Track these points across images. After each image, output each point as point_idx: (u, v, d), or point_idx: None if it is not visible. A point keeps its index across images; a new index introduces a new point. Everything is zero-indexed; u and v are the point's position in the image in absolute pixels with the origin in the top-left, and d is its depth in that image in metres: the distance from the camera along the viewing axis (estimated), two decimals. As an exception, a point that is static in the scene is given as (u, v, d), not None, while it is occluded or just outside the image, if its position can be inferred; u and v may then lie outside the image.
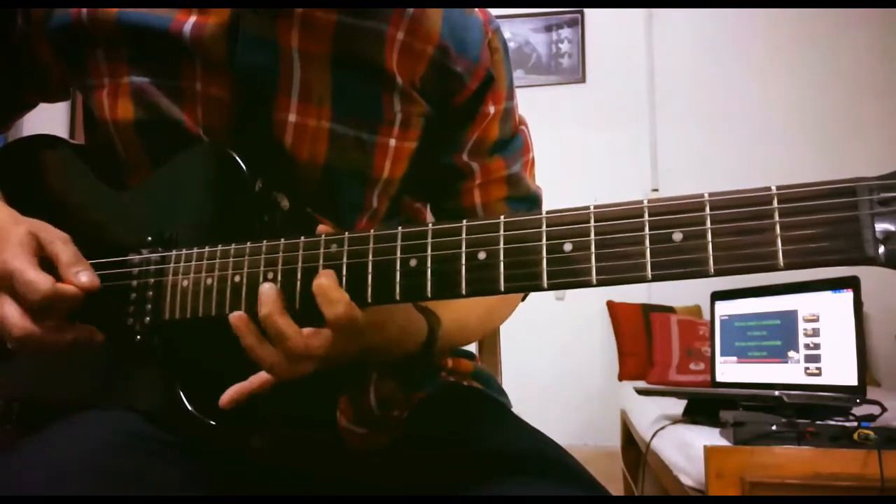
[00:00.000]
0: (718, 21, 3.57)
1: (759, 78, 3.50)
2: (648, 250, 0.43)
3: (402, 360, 0.63)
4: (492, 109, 0.73)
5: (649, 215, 0.43)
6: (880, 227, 0.38)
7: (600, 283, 0.43)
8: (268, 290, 0.53)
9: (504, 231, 0.47)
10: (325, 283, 0.52)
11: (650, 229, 0.43)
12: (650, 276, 0.42)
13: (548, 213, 0.46)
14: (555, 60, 3.72)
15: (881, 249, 0.38)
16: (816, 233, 0.39)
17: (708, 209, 0.42)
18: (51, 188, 0.74)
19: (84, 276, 0.58)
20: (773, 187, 0.40)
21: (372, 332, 0.56)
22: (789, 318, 1.68)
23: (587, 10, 3.70)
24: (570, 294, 3.40)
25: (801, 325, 1.65)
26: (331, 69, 0.66)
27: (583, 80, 3.68)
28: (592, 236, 0.44)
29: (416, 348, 0.62)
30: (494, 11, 0.76)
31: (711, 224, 0.41)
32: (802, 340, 1.64)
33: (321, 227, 0.57)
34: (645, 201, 0.43)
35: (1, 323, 0.57)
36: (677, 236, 0.42)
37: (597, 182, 3.40)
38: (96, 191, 0.71)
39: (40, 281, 0.56)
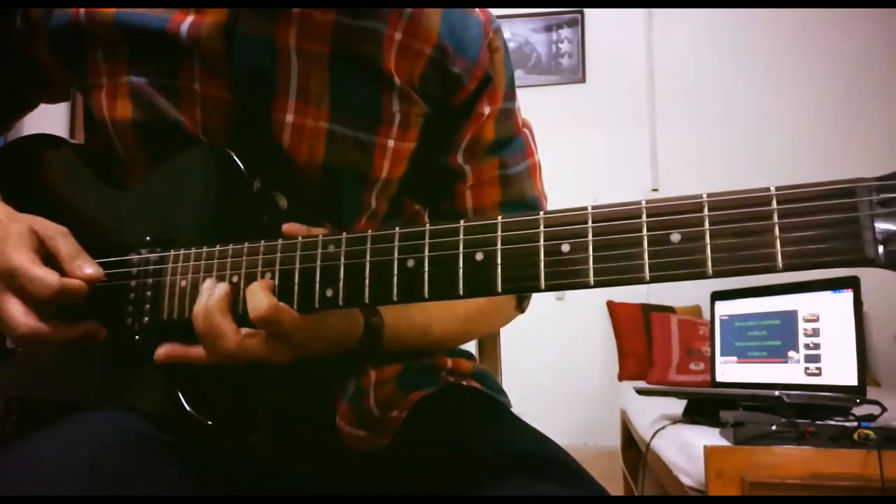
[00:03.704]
0: (718, 21, 3.57)
1: (759, 78, 3.50)
2: (646, 251, 0.42)
3: (342, 355, 0.63)
4: (487, 110, 0.73)
5: (647, 216, 0.43)
6: (880, 227, 0.37)
7: (598, 285, 0.43)
8: (220, 288, 0.56)
9: (501, 232, 0.47)
10: (255, 285, 0.55)
11: (648, 230, 0.43)
12: (648, 277, 0.42)
13: (545, 213, 0.46)
14: (555, 60, 3.72)
15: (881, 250, 0.37)
16: (816, 234, 0.39)
17: (706, 210, 0.41)
18: (50, 188, 0.74)
19: (88, 268, 0.59)
20: (772, 188, 0.40)
21: (306, 338, 0.57)
22: (789, 318, 1.68)
23: (587, 10, 3.70)
24: (570, 294, 3.39)
25: (801, 325, 1.65)
26: (329, 69, 0.66)
27: (583, 80, 3.68)
28: (590, 237, 0.44)
29: (353, 345, 0.63)
30: (494, 11, 0.76)
31: (710, 225, 0.41)
32: (802, 340, 1.64)
33: (286, 227, 0.57)
34: (643, 202, 0.43)
35: (5, 321, 0.57)
36: (675, 237, 0.42)
37: (597, 182, 3.39)
38: (96, 190, 0.71)
39: (47, 277, 0.56)
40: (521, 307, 0.81)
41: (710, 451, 1.19)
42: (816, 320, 1.62)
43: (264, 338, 0.54)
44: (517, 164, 0.76)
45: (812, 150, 3.36)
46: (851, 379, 1.50)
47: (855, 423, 1.19)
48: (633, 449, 2.37)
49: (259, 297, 0.53)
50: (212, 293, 0.55)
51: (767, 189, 0.40)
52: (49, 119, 1.40)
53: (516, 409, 0.73)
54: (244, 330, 0.54)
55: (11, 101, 0.80)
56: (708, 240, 0.41)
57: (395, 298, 0.50)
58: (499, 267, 0.47)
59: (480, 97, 0.72)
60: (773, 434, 1.20)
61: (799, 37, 3.50)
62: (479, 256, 0.47)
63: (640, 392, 1.89)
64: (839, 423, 1.23)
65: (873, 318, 2.91)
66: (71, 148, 0.74)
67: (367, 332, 0.63)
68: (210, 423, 0.59)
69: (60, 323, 0.58)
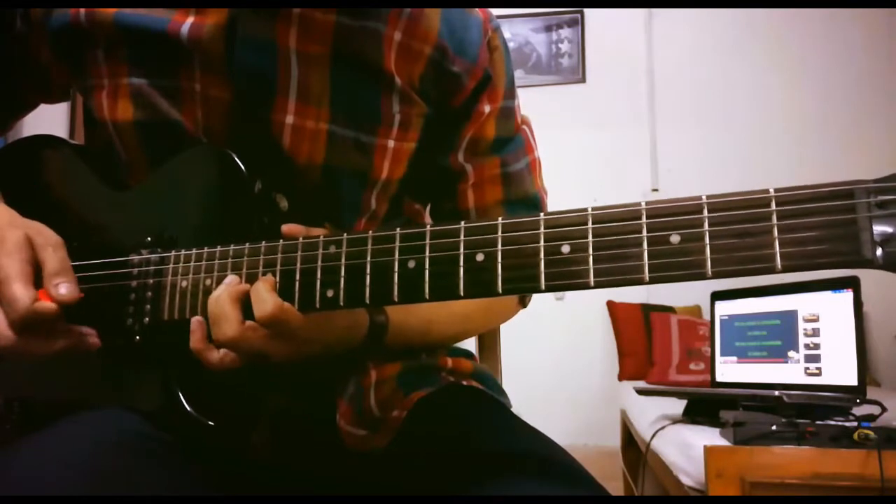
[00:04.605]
0: (718, 21, 3.57)
1: (759, 78, 3.50)
2: (646, 252, 0.43)
3: (345, 353, 0.64)
4: (487, 108, 0.73)
5: (647, 217, 0.43)
6: (878, 229, 0.38)
7: (598, 286, 0.43)
8: (230, 278, 0.57)
9: (502, 233, 0.47)
10: (259, 285, 0.55)
11: (648, 231, 0.43)
12: (648, 278, 0.42)
13: (546, 214, 0.46)
14: (555, 60, 3.72)
15: (879, 252, 0.37)
16: (814, 235, 0.39)
17: (706, 211, 0.42)
18: (51, 189, 0.74)
19: (63, 289, 0.57)
20: (772, 190, 0.40)
21: (311, 337, 0.57)
22: (789, 318, 1.68)
23: (587, 10, 3.70)
24: (570, 294, 3.39)
25: (801, 325, 1.64)
26: (329, 70, 0.66)
27: (583, 80, 3.68)
28: (590, 238, 0.44)
29: (358, 343, 0.63)
30: (494, 11, 0.76)
31: (709, 226, 0.41)
32: (802, 340, 1.63)
33: (286, 228, 0.57)
34: (642, 203, 0.43)
35: None
36: (675, 238, 0.42)
37: (597, 182, 3.39)
38: (96, 191, 0.71)
39: (20, 298, 0.55)
40: (523, 302, 0.82)
41: (710, 451, 1.19)
42: (816, 320, 1.62)
43: (267, 334, 0.55)
44: (518, 162, 0.76)
45: (812, 149, 3.36)
46: (851, 379, 1.50)
47: (855, 423, 1.19)
48: (633, 449, 2.37)
49: (264, 298, 0.54)
50: (228, 283, 0.56)
51: (766, 191, 0.41)
52: (49, 119, 1.40)
53: (516, 409, 0.73)
54: (248, 322, 0.55)
55: (11, 101, 0.80)
56: (707, 241, 0.41)
57: (395, 299, 0.50)
58: (499, 268, 0.47)
59: (480, 96, 0.72)
60: (773, 434, 1.20)
61: (799, 36, 3.50)
62: (480, 257, 0.48)
63: (640, 392, 1.89)
64: (839, 423, 1.23)
65: (873, 318, 2.91)
66: (71, 148, 0.74)
67: (371, 330, 0.63)
68: (210, 423, 0.59)
69: (40, 338, 0.57)
